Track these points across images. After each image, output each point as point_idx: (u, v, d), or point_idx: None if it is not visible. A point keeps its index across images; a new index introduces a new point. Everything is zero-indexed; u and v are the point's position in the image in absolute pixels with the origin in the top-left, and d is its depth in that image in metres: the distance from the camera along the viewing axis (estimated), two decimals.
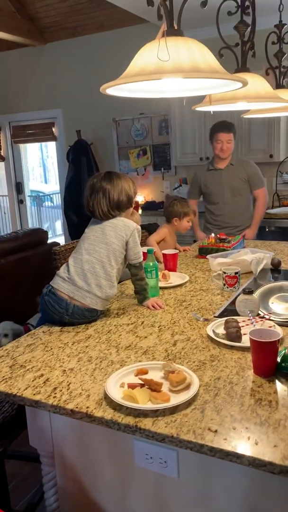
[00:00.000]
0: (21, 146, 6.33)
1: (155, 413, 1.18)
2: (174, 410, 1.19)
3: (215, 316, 1.82)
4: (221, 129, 3.40)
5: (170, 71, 1.23)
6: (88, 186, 1.88)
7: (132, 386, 1.28)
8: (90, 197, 1.86)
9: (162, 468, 1.18)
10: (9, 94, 5.99)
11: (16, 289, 3.48)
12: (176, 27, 1.30)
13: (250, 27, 1.96)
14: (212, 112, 2.30)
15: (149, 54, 1.25)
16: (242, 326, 1.61)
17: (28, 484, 2.22)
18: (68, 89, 5.58)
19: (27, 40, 5.39)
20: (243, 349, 1.51)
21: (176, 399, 1.22)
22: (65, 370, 1.44)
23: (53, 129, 5.87)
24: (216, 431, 1.09)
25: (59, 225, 7.67)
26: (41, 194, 8.64)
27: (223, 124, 3.43)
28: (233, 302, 1.94)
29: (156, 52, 1.22)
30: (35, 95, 5.83)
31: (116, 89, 1.35)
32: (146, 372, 1.38)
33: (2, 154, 6.34)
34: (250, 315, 1.67)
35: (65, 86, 5.60)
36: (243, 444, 1.05)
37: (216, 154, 3.49)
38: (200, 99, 2.13)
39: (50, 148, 8.00)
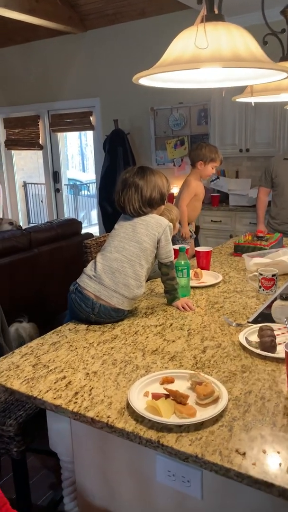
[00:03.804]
0: (59, 134, 6.33)
1: (179, 428, 1.10)
2: (199, 426, 1.11)
3: (248, 322, 1.71)
4: None
5: (208, 60, 1.13)
6: (120, 180, 1.81)
7: (156, 397, 1.21)
8: (121, 192, 1.79)
9: (185, 487, 1.11)
10: (48, 82, 5.99)
11: (48, 280, 3.48)
12: (216, 11, 1.20)
13: None
14: (253, 104, 2.18)
15: (186, 41, 1.16)
16: (278, 335, 1.51)
17: (51, 478, 2.20)
18: (106, 78, 5.51)
19: (68, 27, 5.34)
20: (278, 360, 1.41)
21: (202, 414, 1.14)
22: (88, 373, 1.39)
23: (91, 118, 5.83)
24: (244, 454, 1.01)
25: (94, 214, 7.67)
26: (78, 182, 8.67)
27: None
28: (268, 307, 1.84)
29: (194, 39, 1.13)
30: (74, 84, 5.79)
31: (149, 79, 1.26)
32: (172, 381, 1.31)
33: (40, 142, 6.37)
34: (286, 323, 1.56)
35: (103, 74, 5.53)
36: (274, 471, 0.96)
37: None
38: (241, 89, 2.00)
39: (89, 136, 7.97)
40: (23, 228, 3.62)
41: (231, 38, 1.16)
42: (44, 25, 5.15)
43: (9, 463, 1.84)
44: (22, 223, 7.00)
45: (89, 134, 6.66)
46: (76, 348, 1.57)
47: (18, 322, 2.59)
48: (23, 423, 1.62)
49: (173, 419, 1.13)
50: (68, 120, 6.05)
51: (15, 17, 4.84)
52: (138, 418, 1.15)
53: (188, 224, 3.26)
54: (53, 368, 1.43)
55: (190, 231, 3.28)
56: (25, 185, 7.11)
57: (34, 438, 1.69)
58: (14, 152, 6.80)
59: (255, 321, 1.71)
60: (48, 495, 2.11)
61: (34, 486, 2.13)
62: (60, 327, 1.77)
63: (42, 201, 6.98)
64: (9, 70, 6.29)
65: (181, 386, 1.28)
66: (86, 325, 1.75)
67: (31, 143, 6.46)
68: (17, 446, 1.61)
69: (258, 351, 1.45)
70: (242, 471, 0.96)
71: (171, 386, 1.27)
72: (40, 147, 6.39)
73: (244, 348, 1.50)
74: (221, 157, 3.05)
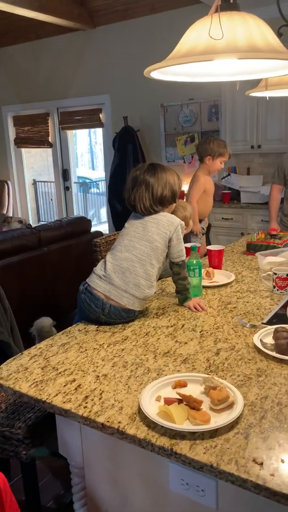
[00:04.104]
0: (69, 132, 6.30)
1: (193, 436, 1.06)
2: (214, 433, 1.07)
3: (263, 323, 1.66)
4: None
5: (223, 51, 1.08)
6: (130, 178, 1.76)
7: (169, 402, 1.17)
8: (131, 190, 1.74)
9: (199, 497, 1.06)
10: (57, 79, 5.96)
11: (58, 278, 3.46)
12: (231, 1, 1.15)
13: None
14: (268, 98, 2.12)
15: (200, 32, 1.11)
16: None
17: (61, 481, 2.18)
18: (116, 74, 5.46)
19: (77, 24, 5.30)
20: None
21: (217, 420, 1.10)
22: (98, 376, 1.35)
23: (100, 115, 5.79)
24: (262, 463, 0.96)
25: (104, 212, 7.64)
26: (87, 180, 8.64)
27: None
28: (284, 307, 1.78)
29: (208, 30, 1.08)
30: (83, 81, 5.75)
31: (161, 73, 1.21)
32: (184, 385, 1.27)
33: (50, 140, 6.34)
34: None
35: (113, 71, 5.48)
36: None
37: None
38: (254, 84, 1.95)
39: (99, 134, 7.95)
40: (33, 226, 3.60)
41: (247, 28, 1.10)
42: (53, 22, 5.11)
43: (18, 464, 1.81)
44: (32, 221, 6.99)
45: (99, 131, 6.64)
46: (86, 350, 1.53)
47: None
48: (32, 425, 1.60)
49: (187, 426, 1.09)
50: (78, 118, 6.01)
51: (25, 14, 4.81)
52: (150, 424, 1.11)
53: (201, 221, 3.21)
54: (63, 370, 1.40)
55: (203, 228, 3.23)
56: (34, 183, 7.10)
57: (43, 441, 1.66)
58: (23, 150, 6.79)
59: (269, 322, 1.66)
60: (58, 497, 2.09)
61: (43, 488, 2.11)
62: (69, 327, 1.74)
63: (51, 199, 6.97)
64: (19, 68, 6.28)
65: (194, 390, 1.23)
66: (96, 326, 1.72)
67: (41, 141, 6.45)
68: (26, 449, 1.58)
69: (274, 353, 1.40)
70: (260, 482, 0.92)
71: (184, 391, 1.23)
72: (50, 145, 6.37)
73: (259, 350, 1.45)
74: (229, 151, 2.99)
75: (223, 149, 2.87)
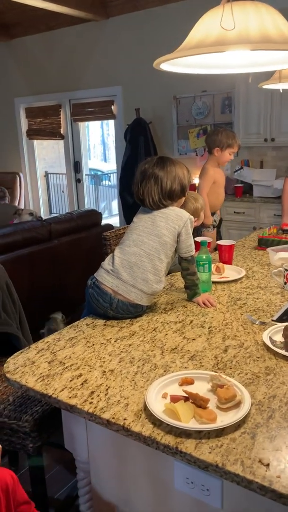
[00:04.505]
0: (81, 124, 6.28)
1: (199, 434, 1.05)
2: (220, 432, 1.05)
3: (273, 320, 1.64)
4: None
5: (234, 42, 1.05)
6: (139, 171, 1.74)
7: (175, 399, 1.15)
8: (140, 184, 1.72)
9: (204, 496, 1.05)
10: (69, 71, 5.93)
11: (68, 271, 3.46)
12: None
13: None
14: (281, 91, 2.07)
15: (211, 22, 1.08)
16: None
17: (68, 473, 2.19)
18: (128, 66, 5.41)
19: (90, 14, 5.25)
20: None
21: (223, 419, 1.08)
22: (105, 371, 1.35)
23: (112, 107, 5.75)
24: (268, 465, 0.95)
25: (115, 205, 7.62)
26: (99, 173, 8.62)
27: None
28: None
29: (219, 20, 1.05)
30: (96, 72, 5.72)
31: (171, 64, 1.19)
32: (191, 382, 1.25)
33: (61, 132, 6.33)
34: None
35: (126, 62, 5.43)
36: None
37: None
38: (268, 75, 1.91)
39: (111, 125, 7.91)
40: (44, 218, 3.61)
41: (260, 18, 1.07)
42: (66, 12, 5.07)
43: (26, 456, 1.82)
44: (44, 213, 7.01)
45: (111, 123, 6.61)
46: (93, 345, 1.53)
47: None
48: (39, 419, 1.60)
49: (193, 424, 1.07)
50: (89, 109, 5.98)
51: (37, 4, 4.79)
52: (156, 422, 1.10)
53: (213, 213, 3.17)
54: (69, 365, 1.39)
55: (215, 221, 3.20)
56: (46, 175, 7.10)
57: (50, 434, 1.66)
58: (35, 142, 6.79)
59: (280, 320, 1.63)
60: (65, 489, 2.10)
61: (51, 480, 2.12)
62: (77, 321, 1.73)
63: (63, 191, 6.97)
64: (31, 59, 6.26)
65: (201, 388, 1.22)
66: (104, 320, 1.71)
67: (53, 133, 6.44)
68: (32, 442, 1.59)
69: (283, 352, 1.38)
70: (266, 484, 0.90)
71: (190, 388, 1.22)
72: (61, 137, 6.36)
73: (268, 348, 1.43)
74: (238, 143, 2.94)
75: (231, 140, 2.82)
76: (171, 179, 1.69)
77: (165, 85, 5.08)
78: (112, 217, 7.62)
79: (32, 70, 6.30)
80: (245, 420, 1.09)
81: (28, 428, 1.57)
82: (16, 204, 6.42)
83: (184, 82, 4.90)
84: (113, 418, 1.13)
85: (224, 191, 3.21)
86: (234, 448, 1.00)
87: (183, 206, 1.86)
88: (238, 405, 1.13)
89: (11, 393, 1.73)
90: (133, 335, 1.59)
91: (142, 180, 1.71)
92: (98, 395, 1.22)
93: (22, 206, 6.48)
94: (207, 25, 1.09)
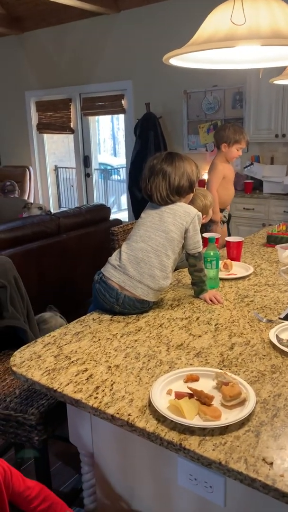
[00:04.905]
0: (91, 118, 6.27)
1: (203, 431, 1.05)
2: (224, 429, 1.05)
3: (280, 318, 1.63)
4: None
5: (245, 37, 1.04)
6: (147, 167, 1.73)
7: (179, 396, 1.15)
8: (148, 180, 1.71)
9: (207, 493, 1.05)
10: (80, 65, 5.91)
11: (76, 265, 3.47)
12: None
13: None
14: None
15: (221, 17, 1.07)
16: None
17: (74, 465, 2.21)
18: (139, 60, 5.39)
19: (101, 8, 5.23)
20: None
21: (227, 417, 1.08)
22: (110, 367, 1.35)
23: (123, 102, 5.74)
24: (271, 463, 0.95)
25: (124, 199, 7.62)
26: (109, 167, 8.61)
27: None
28: None
29: (230, 14, 1.04)
30: (106, 66, 5.70)
31: (181, 59, 1.18)
32: (196, 379, 1.25)
33: (71, 126, 6.33)
34: None
35: (136, 56, 5.40)
36: None
37: None
38: (279, 70, 1.88)
39: (121, 120, 7.90)
40: (53, 212, 3.62)
41: (271, 12, 1.06)
42: (78, 6, 5.06)
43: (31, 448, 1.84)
44: (53, 207, 7.03)
45: (121, 117, 6.60)
46: (99, 340, 1.53)
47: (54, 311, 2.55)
48: (45, 412, 1.61)
49: (197, 421, 1.08)
50: (100, 104, 5.97)
51: None
52: (160, 418, 1.10)
53: (223, 210, 3.16)
54: (75, 359, 1.40)
55: (224, 217, 3.18)
56: (56, 169, 7.11)
57: (55, 428, 1.67)
58: (45, 135, 6.80)
59: (287, 318, 1.62)
60: (70, 482, 2.12)
61: (56, 472, 2.14)
62: (84, 316, 1.74)
63: (72, 186, 6.97)
64: (41, 53, 6.25)
65: (206, 385, 1.22)
66: (110, 316, 1.71)
67: (63, 127, 6.44)
68: (38, 435, 1.60)
69: None
70: (269, 482, 0.90)
71: (195, 385, 1.22)
72: (72, 131, 6.36)
73: (274, 346, 1.43)
74: (246, 138, 2.92)
75: (239, 136, 2.80)
76: (179, 175, 1.68)
77: (175, 79, 5.05)
78: (121, 212, 7.62)
79: (43, 63, 6.29)
80: (250, 418, 1.09)
81: (34, 421, 1.58)
82: (26, 198, 6.44)
83: (195, 77, 4.86)
84: (118, 413, 1.13)
85: (233, 186, 3.19)
86: (238, 446, 1.00)
87: (191, 203, 1.85)
88: (243, 403, 1.13)
89: (18, 386, 1.74)
90: (139, 330, 1.59)
91: (150, 175, 1.71)
92: (103, 390, 1.23)
93: (31, 200, 6.51)
94: (217, 20, 1.08)
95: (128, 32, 5.42)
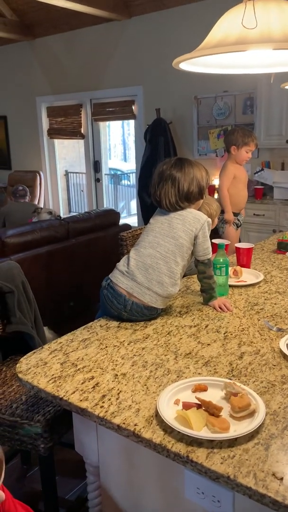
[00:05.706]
0: (101, 124, 6.29)
1: (211, 444, 1.02)
2: (233, 442, 1.02)
3: None
4: None
5: (256, 42, 1.02)
6: (156, 173, 1.71)
7: (187, 406, 1.13)
8: (157, 186, 1.69)
9: (215, 507, 1.02)
10: (91, 71, 5.94)
11: (85, 270, 3.46)
12: None
13: None
14: None
15: (232, 21, 1.05)
16: None
17: (80, 473, 2.18)
18: (150, 66, 5.39)
19: (112, 14, 5.25)
20: None
21: (236, 429, 1.05)
22: (117, 375, 1.33)
23: (133, 107, 5.74)
24: (282, 479, 0.92)
25: (134, 205, 7.62)
26: (119, 172, 8.63)
27: None
28: None
29: (241, 18, 1.02)
30: (117, 72, 5.72)
31: (191, 64, 1.16)
32: (205, 389, 1.23)
33: (82, 132, 6.35)
34: None
35: (147, 62, 5.41)
36: None
37: None
38: None
39: (132, 125, 7.91)
40: (63, 217, 3.62)
41: (283, 16, 1.04)
42: (88, 12, 5.08)
43: (36, 455, 1.82)
44: (63, 212, 7.05)
45: (132, 123, 6.61)
46: (106, 347, 1.51)
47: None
48: (51, 419, 1.59)
49: (205, 433, 1.05)
50: (110, 109, 5.99)
51: (61, 4, 4.81)
52: (167, 429, 1.07)
53: (237, 214, 3.13)
54: (82, 367, 1.38)
55: (238, 220, 3.16)
56: (66, 174, 7.14)
57: (61, 435, 1.65)
58: (56, 141, 6.83)
59: None
60: (76, 489, 2.09)
61: (62, 480, 2.12)
62: (91, 322, 1.72)
63: (82, 191, 6.99)
64: (53, 59, 6.29)
65: (214, 395, 1.19)
66: (118, 322, 1.69)
67: (73, 132, 6.46)
68: (44, 442, 1.58)
69: None
70: (279, 499, 0.87)
71: (203, 395, 1.19)
72: (82, 136, 6.38)
73: (284, 356, 1.39)
74: (255, 141, 2.93)
75: (247, 139, 2.83)
76: (189, 181, 1.66)
77: (186, 85, 5.04)
78: (130, 217, 7.62)
79: (54, 69, 6.34)
80: (259, 431, 1.06)
81: (40, 429, 1.56)
82: (36, 202, 6.46)
83: (205, 82, 4.86)
84: (124, 423, 1.11)
85: (246, 188, 3.17)
86: (246, 460, 0.97)
87: None
88: (252, 414, 1.10)
89: (24, 392, 1.73)
90: (146, 338, 1.57)
91: (160, 181, 1.69)
92: (110, 399, 1.21)
93: (41, 205, 6.53)
94: (228, 24, 1.06)
95: (139, 38, 5.43)
